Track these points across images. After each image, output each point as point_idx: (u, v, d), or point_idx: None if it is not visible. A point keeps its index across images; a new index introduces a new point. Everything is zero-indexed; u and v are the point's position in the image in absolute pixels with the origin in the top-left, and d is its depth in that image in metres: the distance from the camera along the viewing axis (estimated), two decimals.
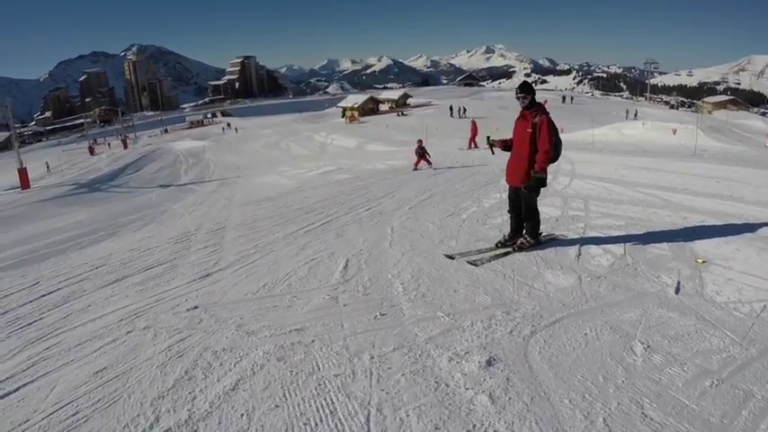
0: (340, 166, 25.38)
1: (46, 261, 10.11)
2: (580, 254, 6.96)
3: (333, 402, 3.82)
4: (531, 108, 6.82)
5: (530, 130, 6.71)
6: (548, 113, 6.80)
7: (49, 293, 7.37)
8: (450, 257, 7.09)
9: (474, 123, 31.42)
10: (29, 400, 4.29)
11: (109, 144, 79.15)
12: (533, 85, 7.59)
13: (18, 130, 65.72)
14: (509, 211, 7.41)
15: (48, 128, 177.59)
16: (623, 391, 3.83)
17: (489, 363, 4.22)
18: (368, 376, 4.12)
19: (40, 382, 4.57)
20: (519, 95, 6.86)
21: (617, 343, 4.53)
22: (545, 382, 3.95)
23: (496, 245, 7.42)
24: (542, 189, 7.02)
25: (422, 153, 18.98)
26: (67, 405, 4.11)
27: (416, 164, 18.60)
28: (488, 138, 7.41)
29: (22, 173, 37.89)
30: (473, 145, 29.91)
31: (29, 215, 23.41)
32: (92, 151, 69.02)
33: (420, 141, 19.65)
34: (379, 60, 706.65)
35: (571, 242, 7.54)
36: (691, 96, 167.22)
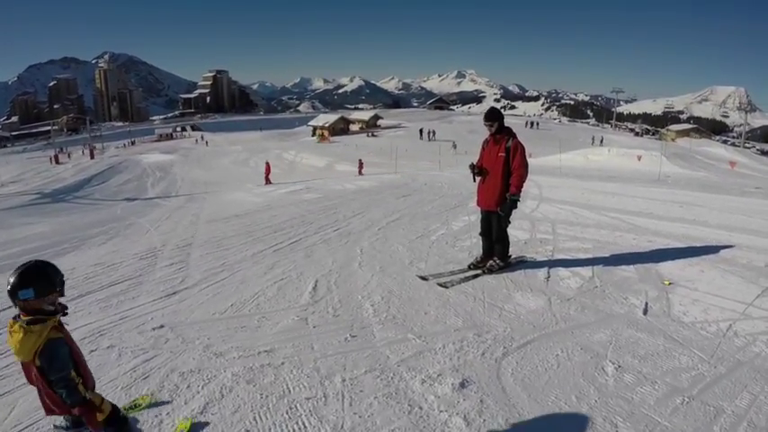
0: (309, 185, 25.29)
1: (3, 274, 9.82)
2: (549, 276, 7.03)
3: (305, 426, 3.77)
4: (502, 132, 6.90)
5: (502, 154, 6.79)
6: (516, 136, 6.91)
7: (7, 308, 6.87)
8: (424, 279, 7.10)
9: (267, 163, 36.63)
10: None
11: (69, 154, 77.99)
12: (502, 110, 7.70)
13: None
14: (481, 234, 7.45)
15: (13, 133, 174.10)
16: (596, 411, 3.88)
17: (462, 385, 4.22)
18: (340, 399, 4.09)
19: None
20: (486, 123, 6.95)
21: (588, 363, 4.59)
22: (519, 404, 3.98)
23: (468, 266, 7.44)
24: (513, 211, 7.09)
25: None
26: (27, 428, 3.97)
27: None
28: (472, 165, 7.40)
29: None
30: (268, 181, 33.99)
31: None
32: (57, 160, 68.04)
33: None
34: (351, 81, 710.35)
35: (540, 265, 7.61)
36: (655, 124, 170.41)
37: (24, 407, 4.27)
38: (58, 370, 2.99)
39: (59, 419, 3.37)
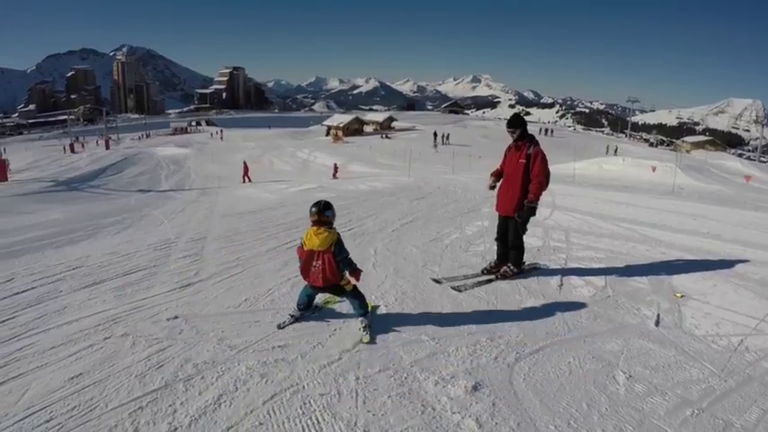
0: (322, 184, 25.30)
1: (21, 257, 9.82)
2: (562, 284, 7.06)
3: (319, 422, 3.81)
4: (524, 139, 6.91)
5: (523, 161, 6.80)
6: (539, 144, 6.91)
7: (23, 291, 7.12)
8: (437, 282, 7.13)
9: (245, 163, 38.71)
10: None
11: (83, 144, 78.31)
12: (517, 114, 7.71)
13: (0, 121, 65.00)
14: (496, 239, 7.47)
15: (30, 121, 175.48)
16: (607, 419, 3.91)
17: (475, 388, 4.26)
18: (354, 397, 4.12)
19: (12, 385, 4.44)
20: (508, 130, 6.99)
21: (600, 372, 4.61)
22: (530, 409, 4.01)
23: (482, 271, 7.47)
24: (532, 219, 7.12)
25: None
26: (41, 411, 4.00)
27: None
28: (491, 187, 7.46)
29: (1, 164, 37.28)
30: (247, 179, 36.69)
31: (4, 208, 22.90)
32: (72, 149, 68.39)
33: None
34: (367, 82, 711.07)
35: (553, 272, 7.62)
36: (670, 135, 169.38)
37: (37, 389, 4.32)
38: (343, 252, 5.36)
39: (291, 311, 5.76)
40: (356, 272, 5.43)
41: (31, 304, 6.58)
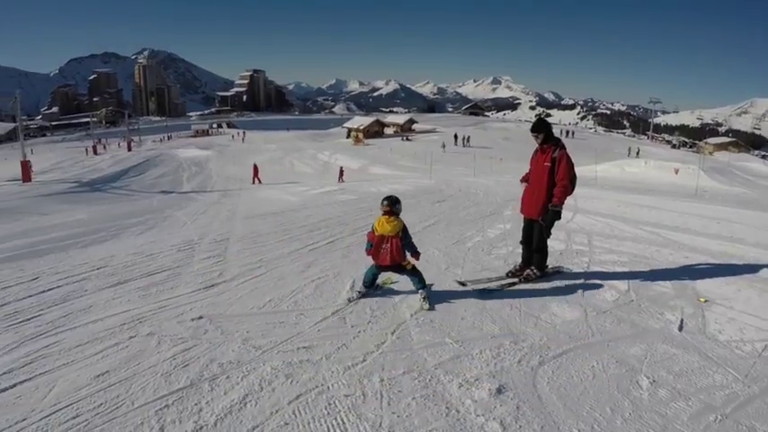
0: (343, 186, 25.35)
1: (45, 257, 9.96)
2: (585, 288, 7.01)
3: (344, 422, 3.82)
4: (549, 142, 6.90)
5: (548, 164, 6.78)
6: (565, 148, 6.88)
7: (48, 290, 7.22)
8: (463, 284, 7.15)
9: (255, 165, 40.32)
10: (26, 398, 4.23)
11: (105, 146, 79.17)
12: (541, 118, 7.73)
13: (24, 123, 65.84)
14: (521, 242, 7.47)
15: (53, 123, 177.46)
16: (630, 424, 3.89)
17: (499, 390, 4.25)
18: (378, 398, 4.14)
19: (39, 381, 4.50)
20: (533, 134, 7.02)
21: (623, 376, 4.59)
22: (554, 412, 4.00)
23: (506, 274, 7.47)
24: (556, 222, 7.09)
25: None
26: (67, 407, 4.04)
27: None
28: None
29: (24, 165, 37.77)
30: (257, 180, 38.31)
31: (29, 208, 23.18)
32: (95, 151, 69.16)
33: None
34: (387, 84, 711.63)
35: (576, 276, 7.59)
36: (693, 137, 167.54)
37: (64, 386, 4.38)
38: (408, 237, 6.34)
39: (358, 288, 6.71)
40: (416, 254, 6.46)
41: (56, 303, 6.66)
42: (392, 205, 6.32)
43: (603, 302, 6.48)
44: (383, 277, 6.94)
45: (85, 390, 4.31)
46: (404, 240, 6.29)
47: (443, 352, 5.00)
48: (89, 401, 4.13)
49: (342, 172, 38.69)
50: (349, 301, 6.45)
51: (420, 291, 6.40)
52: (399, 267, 6.39)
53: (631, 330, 5.65)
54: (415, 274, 6.44)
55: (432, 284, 6.96)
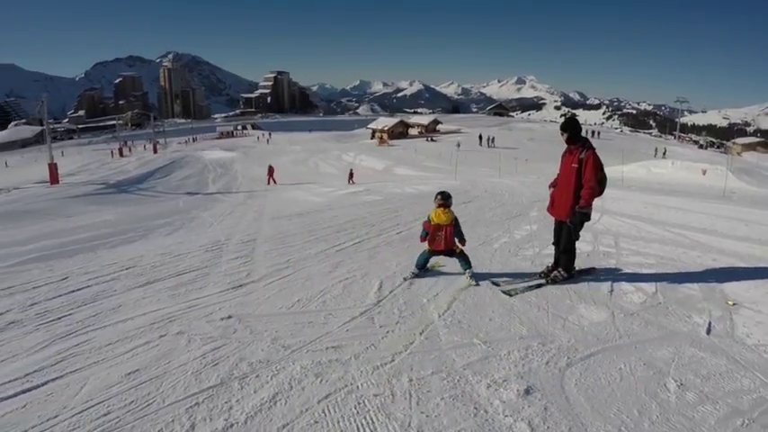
0: (368, 187, 25.35)
1: (74, 257, 10.16)
2: (612, 290, 6.95)
3: (373, 422, 3.85)
4: (576, 143, 6.87)
5: (575, 165, 6.75)
6: (594, 148, 6.84)
7: (78, 290, 7.36)
8: (496, 284, 7.18)
9: (270, 166, 41.65)
10: (57, 395, 4.30)
11: (130, 148, 80.00)
12: (562, 117, 7.75)
13: (51, 126, 66.84)
14: (554, 243, 7.47)
15: (80, 126, 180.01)
16: (658, 426, 3.87)
17: (527, 392, 4.25)
18: (407, 398, 4.15)
19: (70, 379, 4.58)
20: (561, 133, 7.01)
21: (651, 379, 4.55)
22: (582, 414, 3.99)
23: (540, 274, 7.47)
24: (585, 223, 7.08)
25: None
26: (98, 404, 4.11)
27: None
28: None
29: (52, 168, 38.31)
30: (272, 181, 39.13)
31: (57, 210, 23.52)
32: (121, 153, 69.96)
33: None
34: (411, 85, 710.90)
35: (603, 278, 7.52)
36: (720, 137, 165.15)
37: (95, 384, 4.46)
38: (459, 226, 7.40)
39: (412, 270, 7.59)
40: (463, 240, 7.52)
41: (86, 302, 6.79)
42: (445, 199, 7.31)
43: (631, 304, 6.43)
44: (433, 261, 7.80)
45: (116, 387, 4.38)
46: (455, 229, 7.34)
47: (471, 353, 5.01)
48: (120, 399, 4.20)
49: (352, 174, 39.02)
50: (404, 280, 7.39)
51: (467, 271, 7.35)
52: (451, 252, 7.42)
53: (659, 333, 5.60)
54: (463, 257, 7.43)
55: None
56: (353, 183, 34.69)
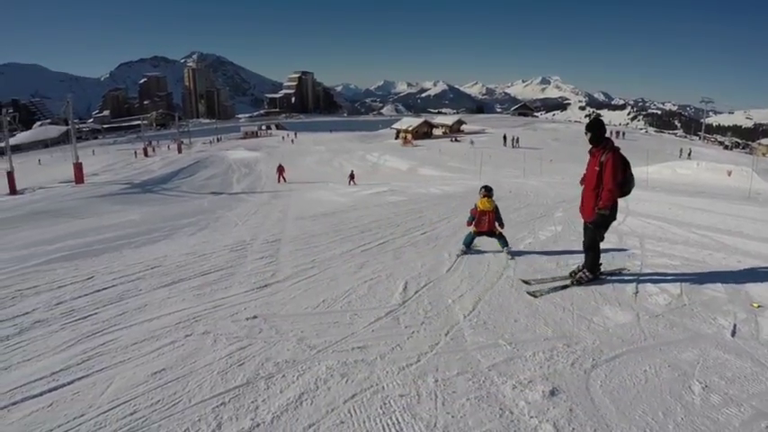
0: (393, 187, 25.33)
1: (100, 256, 10.24)
2: (637, 291, 6.91)
3: (399, 422, 3.87)
4: (598, 145, 6.85)
5: (597, 168, 6.72)
6: (616, 150, 6.79)
7: (103, 289, 7.45)
8: (527, 282, 7.22)
9: (280, 165, 42.98)
10: (84, 394, 4.36)
11: (153, 148, 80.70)
12: (587, 118, 7.72)
13: (76, 126, 67.70)
14: (583, 243, 7.44)
15: (105, 126, 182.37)
16: (683, 428, 3.86)
17: (552, 393, 4.25)
18: (433, 399, 4.17)
19: (96, 378, 4.64)
20: (585, 132, 6.97)
21: (676, 381, 4.53)
22: (607, 415, 3.98)
23: (570, 274, 7.44)
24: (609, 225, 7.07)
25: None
26: (125, 404, 4.17)
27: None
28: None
29: (77, 167, 38.80)
30: (282, 179, 40.25)
31: (82, 209, 23.85)
32: (146, 153, 70.61)
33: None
34: (435, 85, 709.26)
35: (628, 279, 7.48)
36: (745, 137, 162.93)
37: (121, 383, 4.52)
38: (499, 212, 9.06)
39: (460, 248, 9.11)
40: (502, 224, 9.14)
41: (112, 301, 6.88)
42: (488, 191, 8.96)
43: (656, 306, 6.39)
44: (477, 242, 9.25)
45: (142, 387, 4.44)
46: (496, 214, 8.95)
47: (497, 354, 5.01)
48: (146, 398, 4.25)
49: (353, 175, 38.47)
50: (457, 256, 8.83)
51: (505, 248, 8.87)
52: (491, 233, 8.99)
53: (684, 335, 5.56)
54: (501, 237, 9.01)
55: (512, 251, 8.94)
56: (354, 184, 34.63)
